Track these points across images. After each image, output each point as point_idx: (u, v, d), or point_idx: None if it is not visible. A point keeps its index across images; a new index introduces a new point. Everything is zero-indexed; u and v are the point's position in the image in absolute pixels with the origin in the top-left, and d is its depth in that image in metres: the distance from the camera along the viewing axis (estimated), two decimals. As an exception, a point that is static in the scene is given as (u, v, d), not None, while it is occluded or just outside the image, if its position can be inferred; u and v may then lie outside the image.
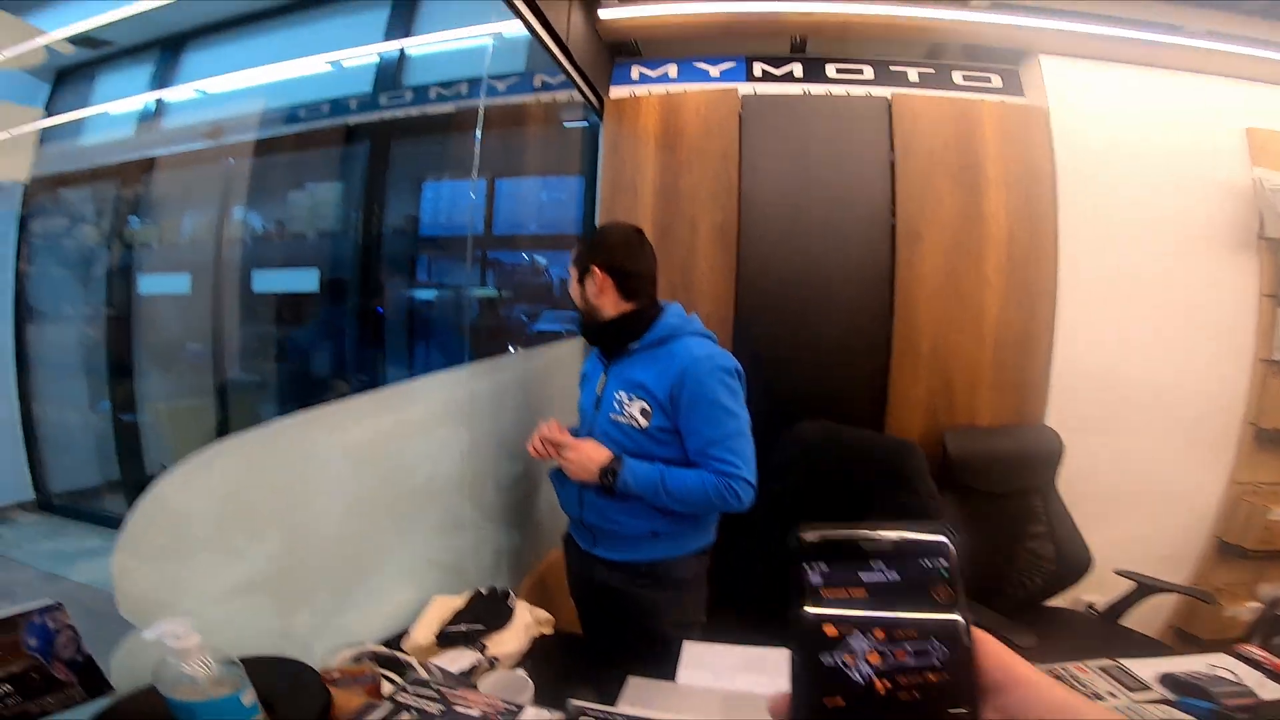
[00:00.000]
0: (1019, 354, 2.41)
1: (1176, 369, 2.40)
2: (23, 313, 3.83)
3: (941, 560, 0.31)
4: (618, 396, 1.44)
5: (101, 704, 0.81)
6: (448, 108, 2.84)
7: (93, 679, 0.83)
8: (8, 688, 0.78)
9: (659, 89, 2.54)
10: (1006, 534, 2.19)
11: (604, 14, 2.27)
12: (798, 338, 2.39)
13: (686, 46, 2.58)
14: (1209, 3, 2.25)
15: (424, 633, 1.19)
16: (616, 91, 2.54)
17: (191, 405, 3.47)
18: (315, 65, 3.36)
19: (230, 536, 1.00)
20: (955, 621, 0.30)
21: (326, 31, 3.47)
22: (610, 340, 1.49)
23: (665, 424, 1.40)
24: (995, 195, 2.39)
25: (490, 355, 1.92)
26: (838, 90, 2.48)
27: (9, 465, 3.72)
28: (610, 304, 1.46)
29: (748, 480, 1.37)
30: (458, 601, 1.32)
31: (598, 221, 2.53)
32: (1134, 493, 2.40)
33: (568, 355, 2.34)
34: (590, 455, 1.41)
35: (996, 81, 2.51)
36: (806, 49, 2.58)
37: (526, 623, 1.30)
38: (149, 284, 3.69)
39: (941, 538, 0.31)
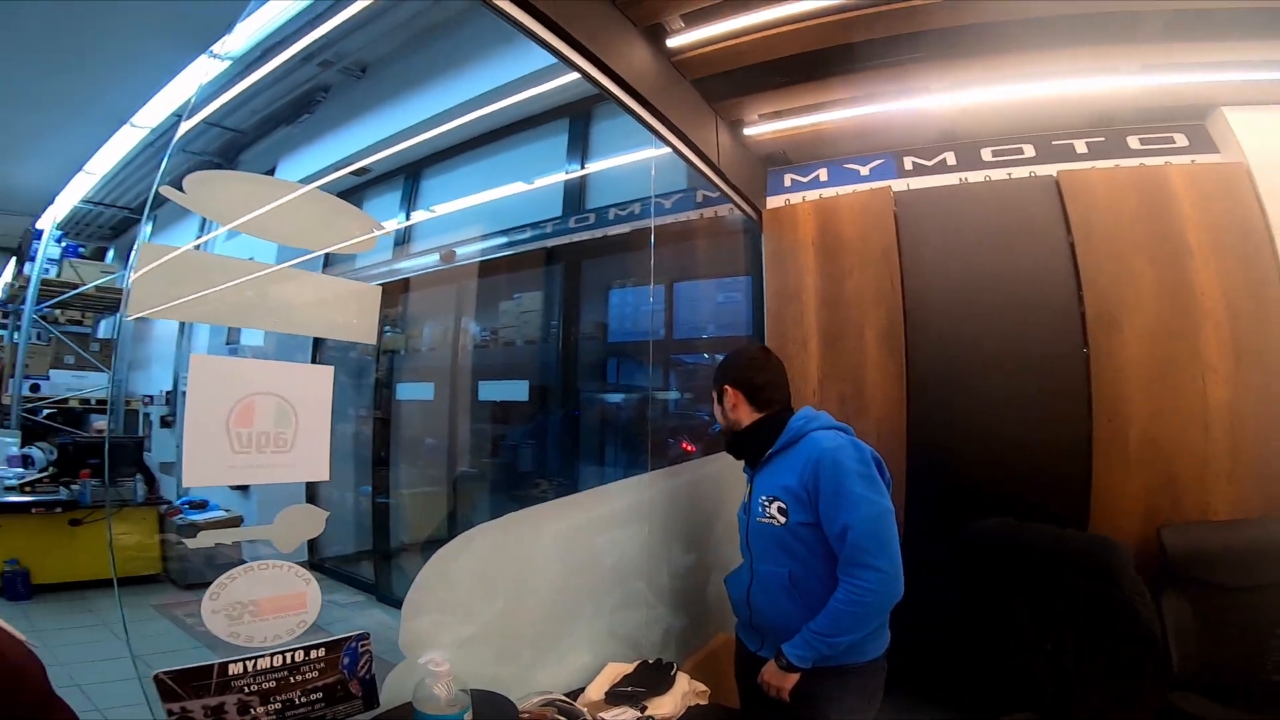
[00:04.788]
0: (1258, 440, 2.27)
1: None
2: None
3: None
4: (762, 502, 1.72)
5: (371, 714, 1.27)
6: (624, 228, 3.52)
7: (370, 695, 1.29)
8: (319, 695, 1.22)
9: (812, 194, 2.93)
10: (1251, 627, 2.08)
11: (749, 131, 2.72)
12: (977, 439, 2.50)
13: (834, 148, 2.94)
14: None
15: (596, 690, 1.63)
16: (772, 201, 2.98)
17: (429, 492, 4.50)
18: (515, 188, 4.29)
19: (473, 599, 1.54)
20: None
21: (521, 157, 4.45)
22: (749, 449, 1.83)
23: (805, 519, 1.62)
24: (1203, 266, 2.35)
25: (673, 454, 2.37)
26: (997, 174, 2.65)
27: (297, 534, 5.11)
28: (745, 415, 1.81)
29: (878, 568, 1.52)
30: (627, 668, 1.74)
31: (766, 331, 2.92)
32: None
33: (736, 463, 2.72)
34: (768, 680, 1.64)
35: (1181, 140, 2.50)
36: (956, 133, 2.79)
37: (684, 691, 1.67)
38: (403, 390, 4.90)
39: None
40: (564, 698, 1.57)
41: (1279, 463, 2.25)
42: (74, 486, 4.87)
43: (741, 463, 1.91)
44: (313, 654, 1.25)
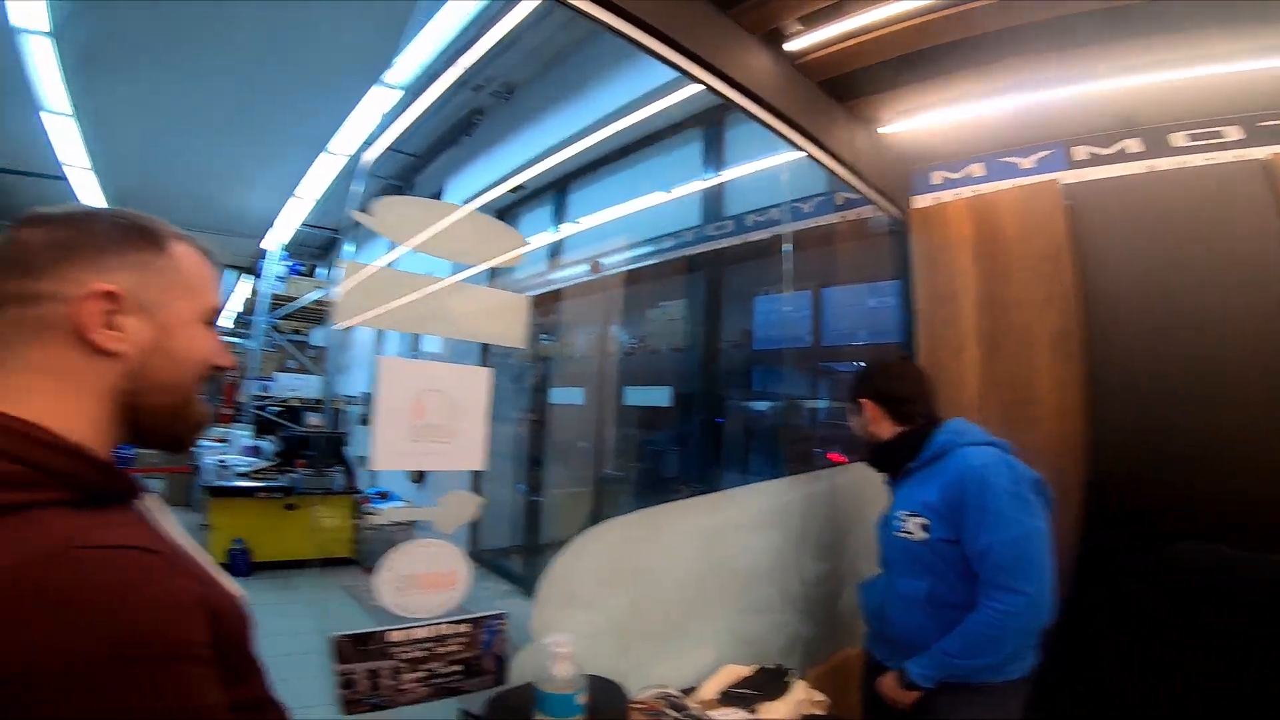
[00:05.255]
0: None
1: None
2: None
3: None
4: (899, 516, 1.73)
5: (499, 689, 1.42)
6: (764, 234, 3.53)
7: (501, 672, 1.44)
8: (459, 667, 1.38)
9: (966, 190, 2.74)
10: None
11: (886, 129, 2.61)
12: (1182, 453, 2.23)
13: (989, 141, 2.69)
14: None
15: (710, 690, 1.69)
16: (920, 200, 2.84)
17: (577, 492, 4.80)
18: (654, 199, 4.45)
19: (598, 591, 1.67)
20: None
21: (659, 167, 4.62)
22: (890, 463, 1.82)
23: (946, 535, 1.63)
24: None
25: (821, 464, 2.37)
26: (1194, 160, 2.34)
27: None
28: (885, 430, 1.81)
29: (1021, 590, 1.48)
30: (746, 671, 1.78)
31: (918, 335, 2.77)
32: None
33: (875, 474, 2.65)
34: (886, 692, 1.68)
35: None
36: (1137, 119, 2.47)
37: (799, 699, 1.68)
38: (557, 395, 5.28)
39: None
40: (676, 692, 1.65)
41: None
42: (292, 475, 5.79)
43: (883, 475, 1.91)
44: (459, 628, 1.41)
